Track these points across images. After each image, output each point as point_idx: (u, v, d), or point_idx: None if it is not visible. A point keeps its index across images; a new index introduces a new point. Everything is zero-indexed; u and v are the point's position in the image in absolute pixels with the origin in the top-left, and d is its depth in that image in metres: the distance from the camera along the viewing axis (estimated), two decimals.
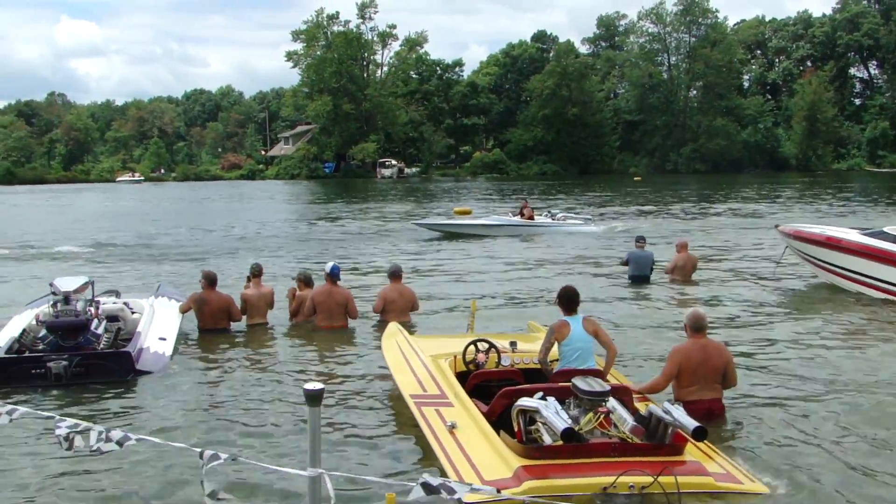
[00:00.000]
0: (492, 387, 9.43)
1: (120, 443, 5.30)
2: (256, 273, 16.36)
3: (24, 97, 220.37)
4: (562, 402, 7.99)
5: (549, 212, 39.20)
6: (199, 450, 5.14)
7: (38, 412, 6.69)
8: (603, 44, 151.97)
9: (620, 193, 70.42)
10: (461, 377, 9.93)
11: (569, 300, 10.27)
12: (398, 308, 15.51)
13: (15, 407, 6.11)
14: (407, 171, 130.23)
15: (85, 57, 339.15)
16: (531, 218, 36.63)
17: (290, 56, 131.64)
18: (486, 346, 10.59)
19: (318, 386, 4.93)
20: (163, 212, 56.62)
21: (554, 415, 7.65)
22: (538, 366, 10.22)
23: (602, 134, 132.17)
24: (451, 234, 35.55)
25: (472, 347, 10.55)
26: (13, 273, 25.67)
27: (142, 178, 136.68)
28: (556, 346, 10.06)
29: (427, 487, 4.77)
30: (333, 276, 15.73)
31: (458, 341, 11.58)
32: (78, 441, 5.35)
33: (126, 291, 17.50)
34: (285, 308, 16.60)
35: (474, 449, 7.93)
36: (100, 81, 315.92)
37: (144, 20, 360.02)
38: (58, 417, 5.45)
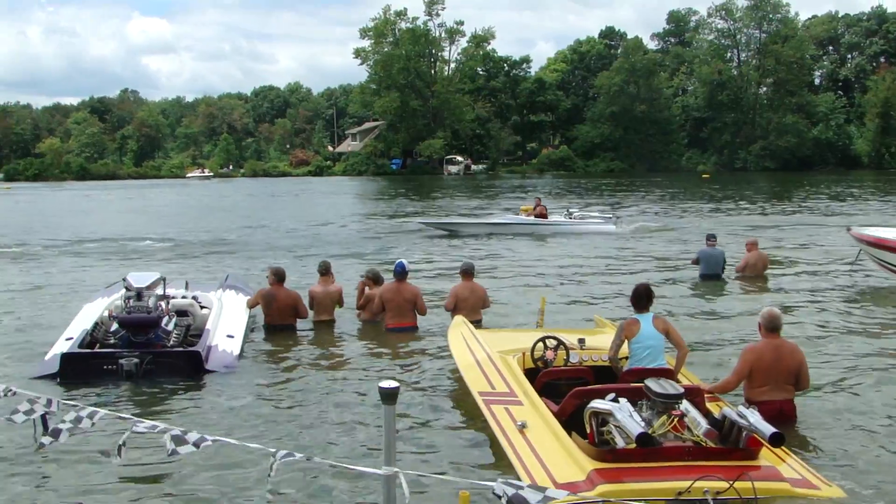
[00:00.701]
0: (560, 385, 9.33)
1: (196, 444, 5.30)
2: (324, 270, 16.35)
3: (98, 94, 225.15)
4: (634, 404, 7.86)
5: (567, 210, 38.10)
6: (273, 449, 5.12)
7: (120, 414, 6.72)
8: (672, 40, 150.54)
9: (688, 191, 69.73)
10: (529, 374, 9.82)
11: (640, 297, 10.18)
12: (469, 306, 15.34)
13: (95, 409, 6.16)
14: (473, 167, 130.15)
15: (156, 54, 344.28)
16: (544, 216, 35.97)
17: (358, 53, 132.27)
18: (555, 342, 10.46)
19: (394, 384, 4.90)
20: (231, 208, 57.08)
21: (628, 418, 7.52)
22: (607, 363, 10.12)
23: (670, 131, 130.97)
24: (491, 233, 34.77)
25: (540, 344, 10.43)
26: (87, 268, 26.03)
27: (211, 174, 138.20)
28: (625, 343, 9.96)
29: (503, 491, 4.72)
30: (401, 272, 15.66)
31: (523, 336, 11.48)
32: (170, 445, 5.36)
33: (194, 283, 17.61)
34: (353, 305, 16.61)
35: (545, 450, 7.82)
36: (171, 78, 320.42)
37: (214, 17, 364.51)
38: (144, 422, 5.45)
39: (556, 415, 8.43)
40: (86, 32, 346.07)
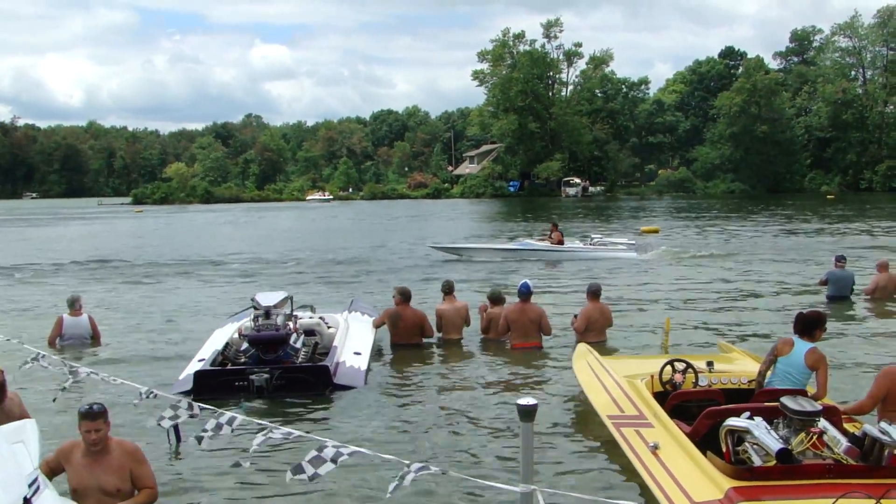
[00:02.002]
0: (691, 407, 9.19)
1: (334, 460, 5.35)
2: (449, 290, 16.44)
3: (221, 119, 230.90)
4: (769, 422, 7.70)
5: (590, 236, 36.41)
6: (407, 462, 5.13)
7: (255, 420, 6.85)
8: (794, 59, 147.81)
9: (812, 212, 68.25)
10: (658, 398, 9.68)
11: (807, 323, 9.86)
12: (598, 327, 15.34)
13: (233, 415, 6.28)
14: (591, 189, 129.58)
15: (277, 80, 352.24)
16: (560, 242, 34.19)
17: (476, 76, 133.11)
18: (683, 365, 10.30)
19: (532, 401, 4.88)
20: (352, 230, 57.77)
21: (766, 435, 7.38)
22: (738, 386, 9.94)
23: (792, 151, 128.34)
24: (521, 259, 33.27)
25: (668, 367, 10.31)
26: (215, 287, 26.67)
27: (331, 196, 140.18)
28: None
29: None
30: (525, 293, 15.64)
31: (648, 362, 11.36)
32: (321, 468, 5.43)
33: (320, 306, 17.85)
34: (478, 324, 16.64)
35: (680, 470, 7.68)
36: (291, 103, 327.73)
37: (332, 43, 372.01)
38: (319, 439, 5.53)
39: (688, 435, 8.27)
40: (209, 60, 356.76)
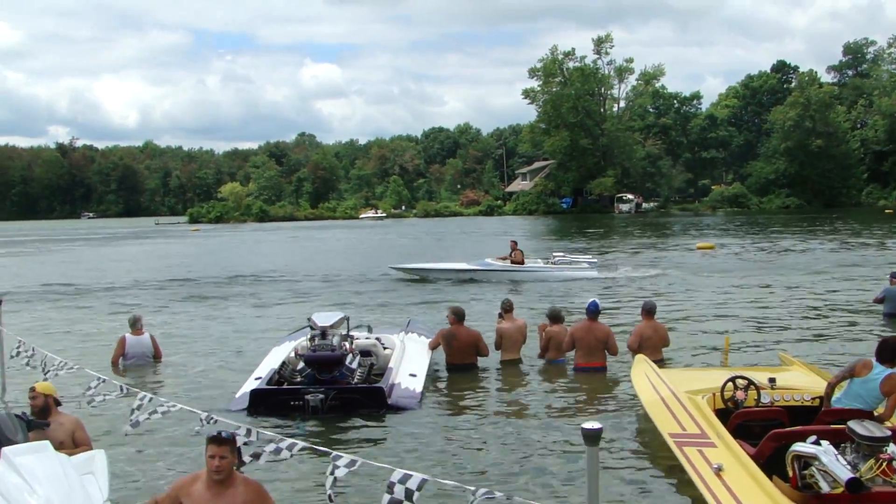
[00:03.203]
0: (754, 426, 9.09)
1: (419, 487, 5.41)
2: (508, 308, 16.44)
3: (274, 138, 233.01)
4: (836, 446, 7.60)
5: (552, 254, 35.63)
6: (472, 487, 5.18)
7: (314, 446, 6.96)
8: (849, 72, 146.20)
9: (869, 226, 67.42)
10: (720, 415, 9.58)
11: (890, 350, 9.60)
12: (652, 345, 15.22)
13: (294, 441, 6.40)
14: (644, 205, 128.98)
15: (328, 98, 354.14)
16: (520, 262, 33.34)
17: (527, 93, 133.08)
18: (745, 382, 10.16)
19: (597, 426, 4.90)
20: (406, 248, 57.88)
21: (834, 462, 7.28)
22: (800, 403, 9.86)
23: (848, 165, 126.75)
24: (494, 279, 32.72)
25: (730, 384, 10.17)
26: (271, 306, 26.94)
27: (384, 214, 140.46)
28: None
29: None
30: (594, 311, 15.60)
31: (710, 375, 11.27)
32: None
33: (377, 326, 17.98)
34: (534, 343, 16.63)
35: (746, 494, 7.59)
36: (343, 121, 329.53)
37: (382, 61, 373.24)
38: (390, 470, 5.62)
39: (752, 458, 8.16)
40: (261, 79, 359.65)
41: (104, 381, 9.35)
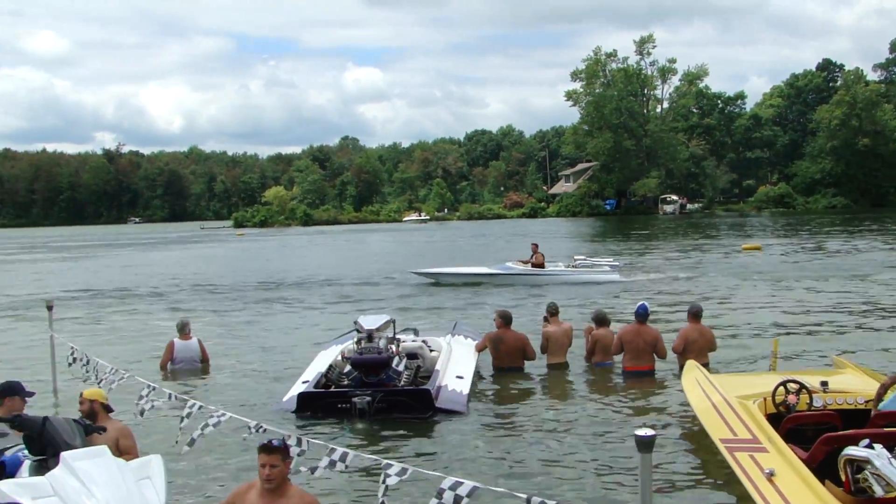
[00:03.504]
0: (807, 430, 8.98)
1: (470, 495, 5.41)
2: (554, 311, 16.39)
3: (317, 142, 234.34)
4: (890, 450, 7.48)
5: (573, 257, 35.43)
6: (524, 495, 5.17)
7: (366, 455, 6.97)
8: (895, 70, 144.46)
9: None
10: (771, 420, 9.43)
11: None
12: (698, 348, 15.04)
13: (346, 451, 6.43)
14: (689, 206, 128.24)
15: (371, 102, 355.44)
16: (541, 265, 33.31)
17: (569, 95, 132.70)
18: (797, 386, 10.01)
19: (650, 432, 4.86)
20: (451, 251, 57.87)
21: (888, 466, 7.19)
22: (853, 406, 9.72)
23: None
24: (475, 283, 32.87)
25: (781, 388, 10.02)
26: (318, 309, 27.13)
27: (427, 217, 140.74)
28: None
29: None
30: (643, 314, 15.51)
31: (761, 380, 11.14)
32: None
33: (422, 329, 18.00)
34: (578, 346, 16.58)
35: (798, 499, 7.51)
36: (385, 125, 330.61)
37: (424, 64, 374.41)
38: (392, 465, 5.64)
39: (805, 462, 8.06)
40: (303, 84, 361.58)
41: (154, 388, 9.43)
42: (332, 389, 13.35)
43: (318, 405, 12.78)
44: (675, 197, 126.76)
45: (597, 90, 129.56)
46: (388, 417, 12.43)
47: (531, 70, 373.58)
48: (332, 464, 6.74)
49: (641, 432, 4.88)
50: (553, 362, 15.96)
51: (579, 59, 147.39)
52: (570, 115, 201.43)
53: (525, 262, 33.65)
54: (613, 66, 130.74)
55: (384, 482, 6.10)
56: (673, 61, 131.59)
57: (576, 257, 35.22)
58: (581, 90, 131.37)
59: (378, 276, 37.55)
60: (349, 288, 33.42)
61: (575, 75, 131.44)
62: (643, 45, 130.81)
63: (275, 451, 6.86)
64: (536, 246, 34.42)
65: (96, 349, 15.21)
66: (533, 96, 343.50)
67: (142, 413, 9.37)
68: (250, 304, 29.15)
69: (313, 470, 6.87)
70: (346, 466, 6.76)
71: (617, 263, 34.44)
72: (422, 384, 13.70)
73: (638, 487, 4.98)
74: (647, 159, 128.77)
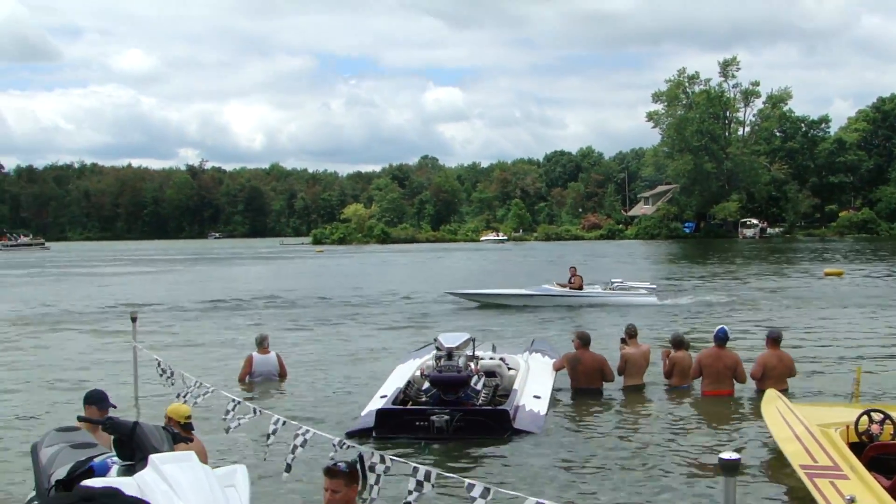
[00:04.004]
0: (890, 460, 8.81)
1: None
2: (633, 333, 16.29)
3: (396, 161, 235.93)
4: None
5: (610, 281, 34.66)
6: None
7: (447, 474, 6.93)
8: None
9: None
10: (853, 449, 9.25)
11: None
12: (777, 374, 14.84)
13: (429, 469, 6.41)
14: (769, 230, 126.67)
15: (450, 122, 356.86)
16: (580, 287, 33.43)
17: (650, 116, 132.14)
18: (881, 416, 9.76)
19: (735, 456, 4.83)
20: (530, 272, 57.82)
21: None
22: None
23: None
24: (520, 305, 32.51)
25: (865, 417, 9.80)
26: (395, 326, 27.29)
27: (505, 237, 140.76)
28: None
29: None
30: (722, 338, 15.33)
31: (842, 410, 10.97)
32: None
33: (500, 345, 17.98)
34: (653, 368, 16.46)
35: None
36: (464, 145, 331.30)
37: (504, 84, 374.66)
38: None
39: (887, 490, 7.94)
40: (384, 103, 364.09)
41: (239, 402, 9.54)
42: (409, 406, 13.38)
43: (395, 422, 12.78)
44: (755, 221, 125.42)
45: (678, 112, 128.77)
46: (464, 437, 12.40)
47: (611, 92, 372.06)
48: (420, 485, 6.53)
49: (726, 455, 4.84)
50: (630, 384, 15.83)
51: (659, 81, 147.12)
52: (650, 138, 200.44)
53: (563, 285, 33.80)
54: (696, 88, 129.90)
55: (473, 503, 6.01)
56: (756, 84, 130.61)
57: (613, 280, 35.06)
58: (662, 112, 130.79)
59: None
60: (427, 306, 33.55)
61: (656, 97, 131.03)
62: (727, 67, 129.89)
63: (336, 476, 6.72)
64: (575, 269, 34.65)
65: (177, 361, 15.41)
66: (612, 118, 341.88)
67: (227, 430, 9.46)
68: (329, 319, 29.41)
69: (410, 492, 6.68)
70: (433, 486, 6.66)
71: (654, 287, 34.46)
72: (500, 403, 13.63)
73: None
74: (728, 182, 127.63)
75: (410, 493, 6.50)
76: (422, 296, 37.76)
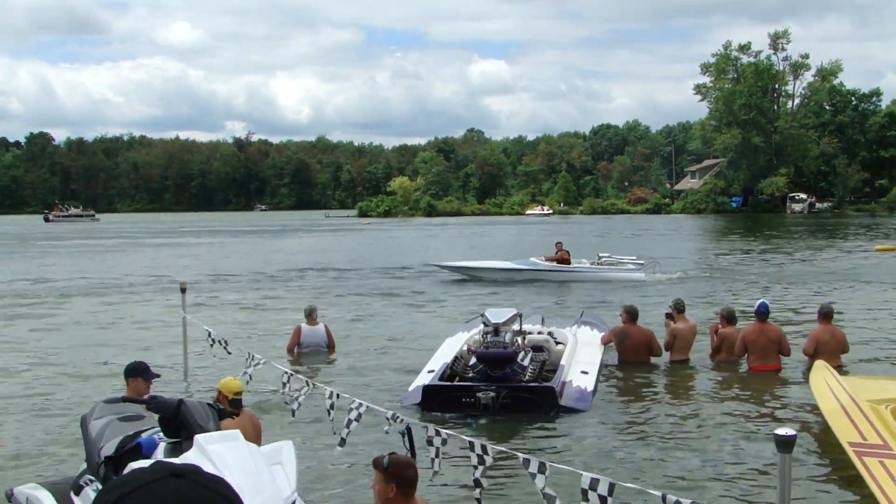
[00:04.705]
0: None
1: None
2: (681, 308, 16.22)
3: (441, 134, 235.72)
4: None
5: (597, 256, 34.32)
6: (659, 493, 5.14)
7: (501, 448, 6.94)
8: None
9: None
10: None
11: None
12: (830, 350, 14.61)
13: (486, 443, 6.44)
14: (818, 205, 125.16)
15: (496, 95, 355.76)
16: (565, 261, 33.06)
17: (698, 89, 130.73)
18: None
19: (791, 432, 4.81)
20: (572, 245, 57.57)
21: None
22: None
23: None
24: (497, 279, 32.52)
25: None
26: (441, 300, 27.39)
27: (550, 211, 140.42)
28: None
29: None
30: (764, 312, 15.23)
31: (893, 384, 10.89)
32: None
33: (548, 316, 17.96)
34: (700, 345, 16.40)
35: None
36: (510, 118, 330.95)
37: (550, 58, 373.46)
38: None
39: None
40: (429, 76, 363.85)
41: (291, 374, 9.60)
42: (456, 382, 13.44)
43: (441, 398, 12.87)
44: (803, 195, 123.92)
45: (726, 85, 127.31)
46: (511, 413, 12.44)
47: (657, 65, 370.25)
48: (480, 459, 6.50)
49: (782, 431, 4.82)
50: (676, 359, 15.79)
51: (706, 54, 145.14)
52: (697, 111, 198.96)
53: (549, 259, 33.58)
54: (745, 60, 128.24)
55: (535, 480, 5.99)
56: (806, 56, 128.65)
57: (600, 255, 34.77)
58: (710, 85, 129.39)
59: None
60: (475, 280, 33.44)
61: (705, 68, 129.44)
62: (777, 39, 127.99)
63: (375, 468, 6.60)
64: (561, 244, 34.48)
65: (225, 331, 15.53)
66: (659, 91, 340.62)
67: (293, 413, 9.46)
68: (377, 291, 29.55)
69: (476, 483, 6.61)
70: (494, 460, 6.65)
71: (641, 262, 33.81)
72: (547, 379, 13.64)
73: (776, 487, 4.92)
74: (776, 156, 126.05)
75: (475, 468, 6.54)
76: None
